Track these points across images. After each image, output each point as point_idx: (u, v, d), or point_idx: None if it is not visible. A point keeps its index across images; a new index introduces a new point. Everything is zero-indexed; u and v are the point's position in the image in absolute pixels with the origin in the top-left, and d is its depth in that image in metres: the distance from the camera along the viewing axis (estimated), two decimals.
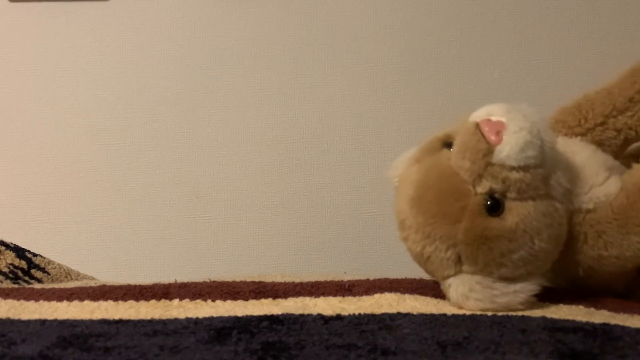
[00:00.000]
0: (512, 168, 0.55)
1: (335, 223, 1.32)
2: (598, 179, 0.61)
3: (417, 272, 0.68)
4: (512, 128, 0.56)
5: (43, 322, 0.53)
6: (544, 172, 0.56)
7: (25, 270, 0.83)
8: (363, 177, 1.32)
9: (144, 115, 1.32)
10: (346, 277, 0.69)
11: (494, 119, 0.57)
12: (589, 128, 0.68)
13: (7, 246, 0.85)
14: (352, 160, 1.32)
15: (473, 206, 0.55)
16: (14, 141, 1.31)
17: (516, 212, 0.55)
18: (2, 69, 1.31)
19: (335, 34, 1.33)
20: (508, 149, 0.55)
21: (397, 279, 0.67)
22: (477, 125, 0.57)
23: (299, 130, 1.32)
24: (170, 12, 1.32)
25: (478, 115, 0.58)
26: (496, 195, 0.55)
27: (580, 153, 0.63)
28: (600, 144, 0.67)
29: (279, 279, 0.69)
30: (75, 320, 0.54)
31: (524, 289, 0.57)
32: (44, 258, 0.88)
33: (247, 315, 0.54)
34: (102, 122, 1.32)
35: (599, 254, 0.59)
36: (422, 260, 0.59)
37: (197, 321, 0.53)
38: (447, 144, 0.59)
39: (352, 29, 1.33)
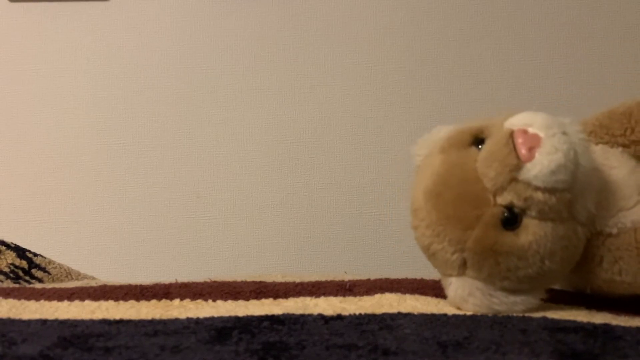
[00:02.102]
0: (538, 188, 0.52)
1: (335, 223, 1.32)
2: (629, 202, 0.58)
3: (417, 272, 0.68)
4: (547, 147, 0.52)
5: (44, 322, 0.53)
6: (571, 197, 0.54)
7: (26, 270, 0.83)
8: (363, 177, 1.32)
9: (144, 115, 1.32)
10: (347, 277, 0.69)
11: (531, 130, 0.53)
12: (635, 140, 0.62)
13: (8, 246, 0.85)
14: (352, 160, 1.32)
15: (489, 217, 0.53)
16: (14, 141, 1.31)
17: (532, 231, 0.53)
18: (2, 69, 1.31)
19: (335, 34, 1.33)
20: (538, 169, 0.52)
21: (397, 279, 0.67)
22: (511, 135, 0.54)
23: (299, 130, 1.32)
24: (170, 12, 1.32)
25: (515, 122, 0.55)
26: (515, 209, 0.53)
27: (618, 169, 0.60)
28: None
29: (279, 279, 0.69)
30: (76, 320, 0.54)
31: (524, 302, 0.55)
32: (45, 258, 0.88)
33: (247, 315, 0.54)
34: (102, 122, 1.32)
35: (611, 278, 0.57)
36: (427, 253, 0.58)
37: (197, 321, 0.53)
38: (478, 140, 0.56)
39: (352, 29, 1.33)
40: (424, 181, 0.58)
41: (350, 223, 1.32)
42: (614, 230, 0.57)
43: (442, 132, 0.61)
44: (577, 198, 0.54)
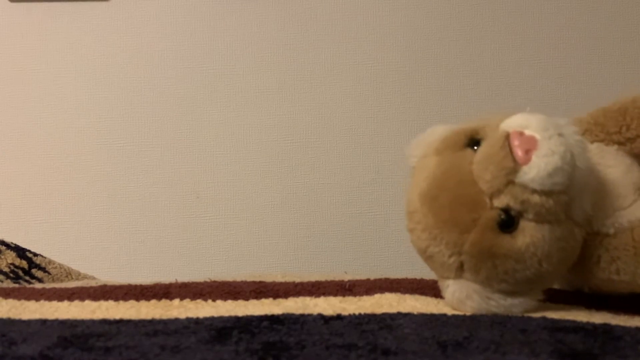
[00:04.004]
0: (535, 191, 0.52)
1: (335, 223, 1.32)
2: (625, 201, 0.57)
3: (417, 272, 0.68)
4: (543, 150, 0.51)
5: (44, 322, 0.53)
6: (568, 199, 0.53)
7: (26, 270, 0.83)
8: (363, 177, 1.32)
9: (144, 115, 1.32)
10: (347, 277, 0.69)
11: (527, 132, 0.53)
12: (630, 138, 0.61)
13: (8, 246, 0.85)
14: (352, 160, 1.32)
15: (486, 220, 0.53)
16: (14, 141, 1.31)
17: (529, 234, 0.53)
18: (2, 69, 1.31)
19: (335, 34, 1.33)
20: (535, 172, 0.51)
21: (397, 279, 0.67)
22: (507, 137, 0.53)
23: (299, 130, 1.32)
24: (170, 12, 1.32)
25: (511, 124, 0.54)
26: (512, 212, 0.53)
27: (615, 168, 0.59)
28: (638, 157, 0.61)
29: (279, 278, 0.69)
30: (76, 320, 0.54)
31: (522, 304, 0.55)
32: (45, 258, 0.88)
33: (247, 315, 0.54)
34: (102, 122, 1.32)
35: (609, 277, 0.57)
36: (424, 255, 0.58)
37: (197, 321, 0.53)
38: (473, 142, 0.55)
39: (352, 29, 1.33)
40: (420, 183, 0.57)
41: (350, 223, 1.32)
42: (611, 231, 0.57)
43: (437, 132, 0.60)
44: (574, 200, 0.54)
